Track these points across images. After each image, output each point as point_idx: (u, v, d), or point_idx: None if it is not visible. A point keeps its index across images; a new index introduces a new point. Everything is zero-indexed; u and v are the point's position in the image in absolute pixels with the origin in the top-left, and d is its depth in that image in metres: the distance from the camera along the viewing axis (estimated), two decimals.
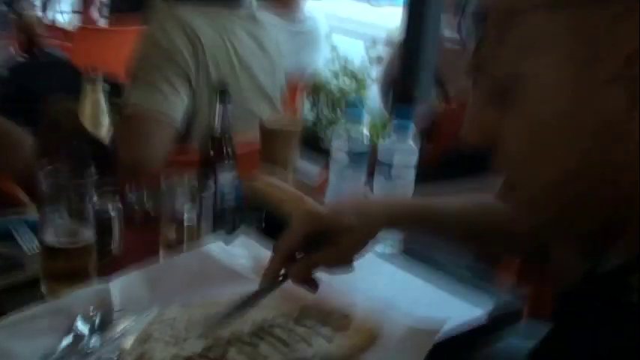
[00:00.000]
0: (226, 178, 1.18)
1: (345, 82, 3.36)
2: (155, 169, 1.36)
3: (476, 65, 0.57)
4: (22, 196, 1.32)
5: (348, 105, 1.26)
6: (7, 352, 0.81)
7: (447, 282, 1.09)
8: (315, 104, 3.24)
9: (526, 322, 1.09)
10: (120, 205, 0.96)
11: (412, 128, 1.20)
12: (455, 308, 1.03)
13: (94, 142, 1.00)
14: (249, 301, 0.87)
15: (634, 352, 0.48)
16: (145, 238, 1.10)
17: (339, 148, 1.25)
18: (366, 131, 1.25)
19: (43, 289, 0.95)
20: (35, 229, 1.06)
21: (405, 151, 1.20)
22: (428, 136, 2.13)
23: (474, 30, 0.56)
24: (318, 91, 3.18)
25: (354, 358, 0.87)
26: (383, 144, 1.21)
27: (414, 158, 1.20)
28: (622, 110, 0.48)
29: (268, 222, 1.20)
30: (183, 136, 1.48)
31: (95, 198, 0.94)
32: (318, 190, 1.56)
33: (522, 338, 1.10)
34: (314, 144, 3.36)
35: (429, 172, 1.75)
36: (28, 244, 1.06)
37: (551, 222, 0.57)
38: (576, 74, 0.50)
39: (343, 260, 0.87)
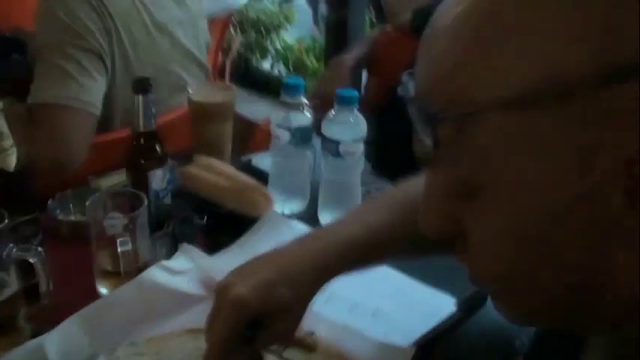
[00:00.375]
0: (158, 176, 1.06)
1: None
2: (78, 166, 1.22)
3: (434, 159, 0.46)
4: None
5: (287, 82, 1.12)
6: None
7: (409, 274, 1.02)
8: (241, 33, 3.05)
9: None
10: (41, 250, 0.84)
11: (357, 98, 1.09)
12: (429, 301, 0.97)
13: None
14: None
15: None
16: (77, 259, 0.98)
17: (279, 124, 1.13)
18: (307, 106, 1.13)
19: None
20: None
21: (351, 124, 1.09)
22: (369, 68, 2.00)
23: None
24: (243, 19, 2.99)
25: None
26: (327, 119, 1.10)
27: (363, 130, 1.09)
28: (621, 212, 0.39)
29: (214, 217, 1.10)
30: (104, 123, 1.32)
31: (12, 244, 0.81)
32: (262, 129, 1.44)
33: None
34: (248, 75, 3.20)
35: (376, 108, 1.64)
36: None
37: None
38: (564, 179, 0.40)
39: (288, 336, 0.75)
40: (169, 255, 1.02)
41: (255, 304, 0.68)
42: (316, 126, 1.14)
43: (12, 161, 0.87)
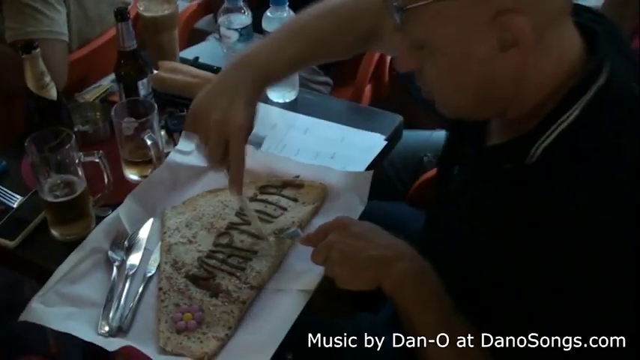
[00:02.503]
0: (144, 84, 1.34)
1: None
2: (62, 89, 1.45)
3: (399, 29, 0.83)
4: None
5: None
6: (77, 297, 1.03)
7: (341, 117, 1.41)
8: None
9: None
10: (101, 152, 1.13)
11: None
12: (364, 140, 1.35)
13: (46, 103, 1.13)
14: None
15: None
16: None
17: (227, 27, 1.43)
18: (245, 7, 1.43)
19: (55, 234, 1.14)
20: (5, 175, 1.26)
21: (284, 19, 1.40)
22: None
23: None
24: None
25: (320, 208, 1.19)
26: (265, 16, 1.40)
27: None
28: (495, 53, 0.78)
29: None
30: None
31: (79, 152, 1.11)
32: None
33: None
34: None
35: None
36: (9, 198, 1.21)
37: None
38: (465, 41, 0.79)
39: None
40: (168, 142, 1.34)
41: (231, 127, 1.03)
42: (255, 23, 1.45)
43: (54, 93, 1.14)
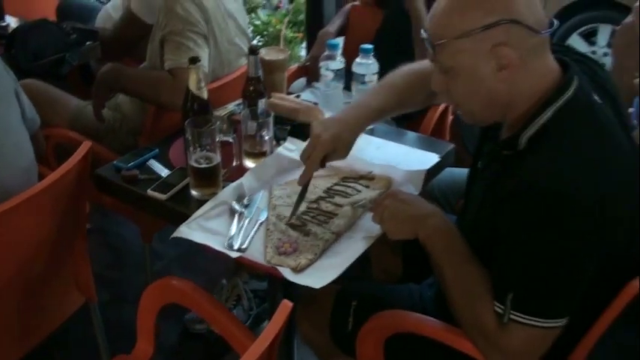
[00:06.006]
0: (262, 103, 1.82)
1: None
2: None
3: (431, 60, 1.26)
4: None
5: (330, 42, 1.91)
6: (210, 228, 1.47)
7: (408, 142, 1.83)
8: None
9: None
10: (235, 135, 1.60)
11: (372, 49, 1.87)
12: (423, 156, 1.77)
13: (200, 100, 1.61)
14: (302, 195, 1.52)
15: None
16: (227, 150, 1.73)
17: (325, 67, 1.91)
18: (339, 54, 1.91)
19: (194, 193, 1.59)
20: (157, 158, 1.71)
21: (370, 65, 1.87)
22: (346, 35, 2.83)
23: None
24: None
25: (384, 194, 1.60)
26: (355, 62, 1.88)
27: (376, 67, 1.88)
28: (495, 72, 1.19)
29: (293, 126, 1.87)
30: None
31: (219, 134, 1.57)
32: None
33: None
34: None
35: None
36: (160, 171, 1.68)
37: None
38: (475, 65, 1.20)
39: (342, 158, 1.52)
40: (275, 146, 1.79)
41: (332, 145, 1.46)
42: (346, 68, 1.93)
43: (205, 94, 1.62)
